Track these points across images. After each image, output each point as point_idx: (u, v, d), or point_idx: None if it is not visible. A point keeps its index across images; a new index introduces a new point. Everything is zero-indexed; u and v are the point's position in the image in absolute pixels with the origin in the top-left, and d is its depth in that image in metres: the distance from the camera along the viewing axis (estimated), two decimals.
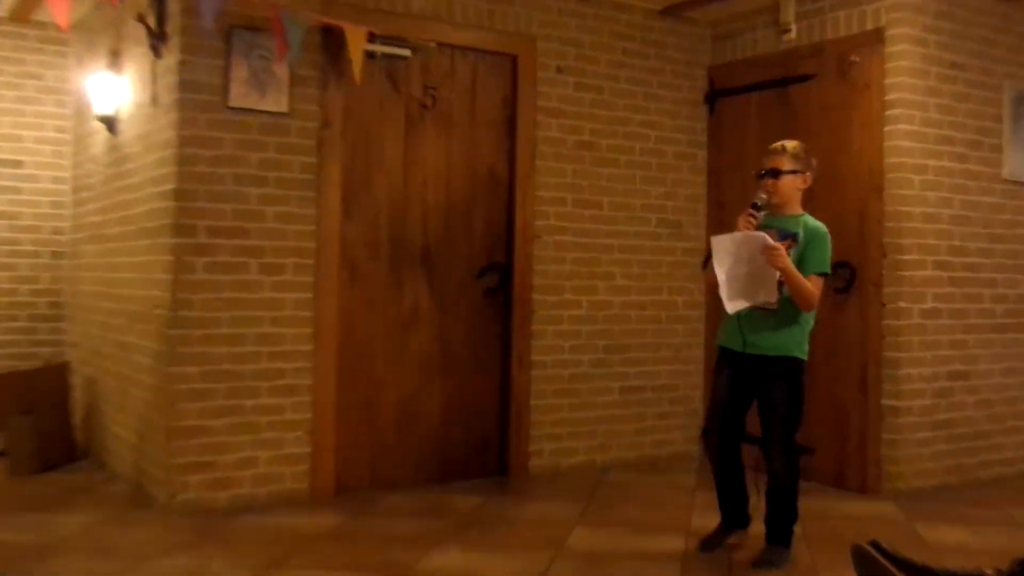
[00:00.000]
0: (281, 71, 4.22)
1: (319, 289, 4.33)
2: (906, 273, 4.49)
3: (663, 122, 5.25)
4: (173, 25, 4.17)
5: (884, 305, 4.49)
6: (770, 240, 3.30)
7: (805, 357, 3.48)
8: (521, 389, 4.84)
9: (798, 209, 3.52)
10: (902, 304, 4.48)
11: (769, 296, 3.36)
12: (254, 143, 4.22)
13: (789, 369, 3.44)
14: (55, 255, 5.69)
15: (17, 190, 5.51)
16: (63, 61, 5.68)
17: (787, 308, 3.40)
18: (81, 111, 5.54)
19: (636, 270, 5.18)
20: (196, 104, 4.10)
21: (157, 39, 4.26)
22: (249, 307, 4.20)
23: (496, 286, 4.80)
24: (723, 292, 3.38)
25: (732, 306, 3.38)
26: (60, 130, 5.66)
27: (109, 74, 4.94)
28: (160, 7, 4.23)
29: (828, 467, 4.66)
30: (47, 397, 5.02)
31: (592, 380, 5.01)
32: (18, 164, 5.52)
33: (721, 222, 4.98)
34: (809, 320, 3.47)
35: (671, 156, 5.28)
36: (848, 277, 4.55)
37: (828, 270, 3.43)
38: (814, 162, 3.54)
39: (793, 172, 3.46)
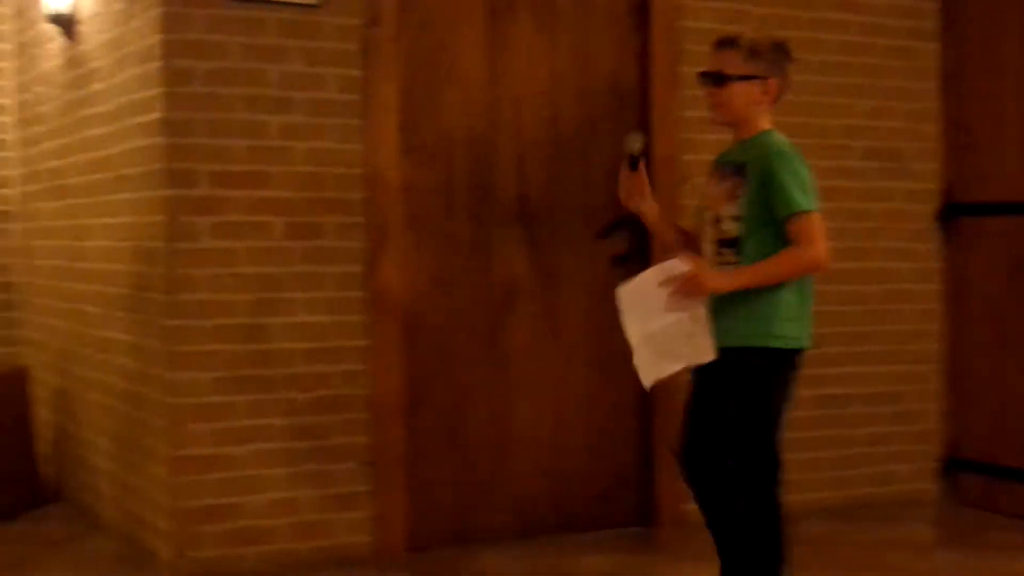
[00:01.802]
0: None
1: (373, 259, 4.49)
2: None
3: (872, 3, 5.24)
4: None
5: None
6: (679, 266, 3.27)
7: (786, 345, 3.44)
8: (672, 402, 4.78)
9: (760, 126, 3.50)
10: None
11: (703, 353, 3.33)
12: (272, 50, 4.37)
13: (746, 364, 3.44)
14: (1, 217, 6.01)
15: None
16: None
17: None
18: (24, 8, 5.81)
19: (832, 224, 5.08)
20: None
21: None
22: (276, 286, 4.37)
23: (627, 251, 4.84)
24: (637, 363, 3.41)
25: (648, 380, 3.43)
26: None
27: None
28: None
29: None
30: (1, 418, 5.28)
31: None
32: None
33: (965, 157, 4.95)
34: (797, 288, 3.42)
35: (883, 53, 5.29)
36: None
37: (810, 203, 3.32)
38: (786, 63, 3.53)
39: (747, 77, 3.43)
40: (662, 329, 3.34)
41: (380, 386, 4.49)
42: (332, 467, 4.45)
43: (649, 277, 3.37)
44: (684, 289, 3.24)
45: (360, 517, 4.49)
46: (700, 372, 3.48)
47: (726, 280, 3.26)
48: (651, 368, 3.39)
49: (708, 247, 3.44)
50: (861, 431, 5.25)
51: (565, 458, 4.82)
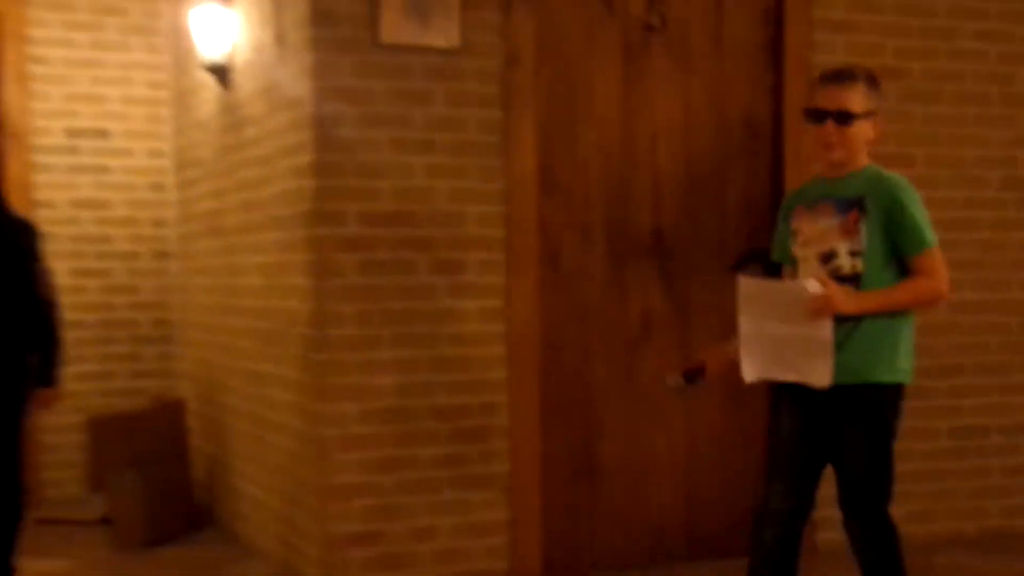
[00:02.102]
0: None
1: (512, 294, 4.57)
2: None
3: (1013, 31, 5.18)
4: None
5: None
6: (812, 287, 3.20)
7: (905, 379, 3.42)
8: None
9: (864, 160, 3.44)
10: None
11: (820, 376, 3.27)
12: (417, 94, 4.46)
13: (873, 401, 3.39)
14: (159, 255, 6.28)
15: (104, 169, 6.15)
16: None
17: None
18: (181, 58, 6.00)
19: (970, 255, 5.14)
20: (336, 42, 4.36)
21: None
22: (420, 321, 4.47)
23: None
24: (744, 354, 3.40)
25: (751, 375, 3.41)
26: (154, 85, 6.24)
27: (216, 6, 5.30)
28: None
29: None
30: (159, 446, 5.52)
31: (906, 417, 4.98)
32: (103, 134, 6.16)
33: None
34: (911, 322, 3.40)
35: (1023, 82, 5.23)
36: None
37: (935, 238, 3.31)
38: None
39: (867, 115, 3.37)
40: (781, 336, 3.31)
41: (518, 417, 4.56)
42: (472, 495, 4.52)
43: (777, 287, 3.39)
44: (815, 308, 3.17)
45: (498, 543, 4.55)
46: (810, 415, 3.40)
47: (855, 303, 3.21)
48: (759, 366, 3.39)
49: None
50: (998, 461, 5.17)
51: (699, 487, 4.84)
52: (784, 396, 3.46)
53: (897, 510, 4.94)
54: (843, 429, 3.36)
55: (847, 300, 3.20)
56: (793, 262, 3.50)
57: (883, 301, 3.26)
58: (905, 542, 4.93)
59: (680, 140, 4.82)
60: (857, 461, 3.35)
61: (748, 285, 3.39)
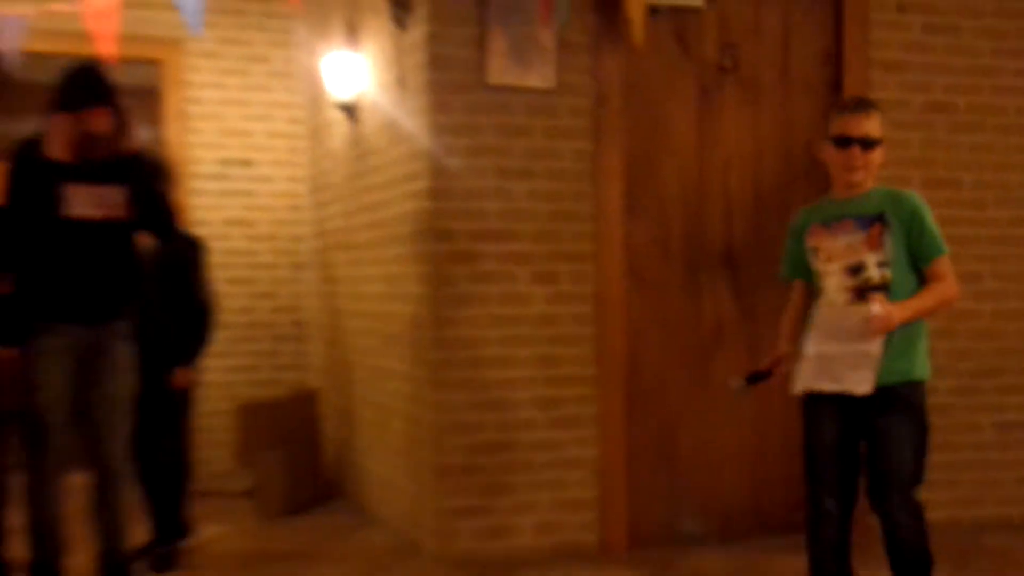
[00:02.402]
0: (546, 38, 4.42)
1: (601, 301, 4.55)
2: None
3: None
4: None
5: None
6: (876, 309, 3.08)
7: (928, 375, 3.32)
8: None
9: (872, 183, 3.34)
10: None
11: (861, 384, 3.18)
12: (518, 128, 4.46)
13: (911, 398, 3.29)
14: (296, 267, 6.35)
15: (250, 193, 6.22)
16: (291, 40, 6.29)
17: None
18: (315, 98, 6.07)
19: (1013, 268, 5.06)
20: (449, 84, 4.38)
21: (400, 8, 4.56)
22: (520, 324, 4.48)
23: None
24: (799, 372, 3.32)
25: (799, 388, 3.35)
26: (293, 121, 6.30)
27: (346, 53, 5.34)
28: None
29: None
30: (296, 430, 5.60)
31: (953, 413, 4.94)
32: (249, 163, 6.22)
33: None
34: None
35: None
36: None
37: (945, 246, 3.25)
38: None
39: (881, 142, 3.31)
40: (835, 353, 3.25)
41: (605, 408, 4.55)
42: (566, 475, 4.53)
43: (848, 312, 3.24)
44: (880, 326, 3.09)
45: (589, 518, 4.56)
46: (848, 420, 3.30)
47: (900, 314, 3.12)
48: (807, 380, 3.31)
49: (840, 295, 3.28)
50: None
51: (765, 472, 4.80)
52: (823, 407, 3.34)
53: (945, 495, 4.95)
54: (888, 425, 3.22)
55: (900, 314, 3.11)
56: (809, 277, 3.41)
57: (919, 307, 3.19)
58: (954, 525, 4.89)
59: (749, 166, 4.77)
60: (905, 452, 3.22)
61: (824, 313, 3.30)
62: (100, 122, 3.78)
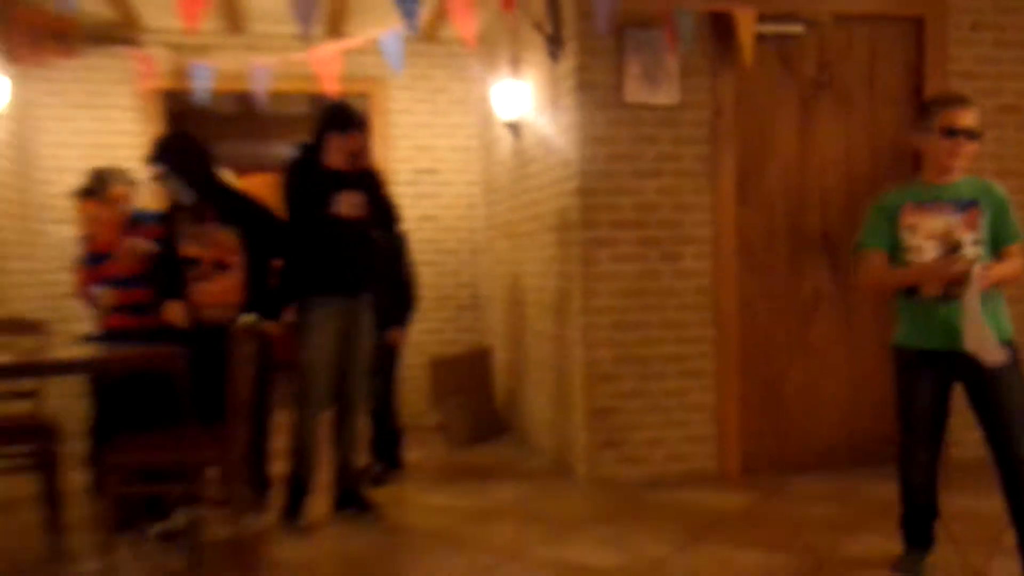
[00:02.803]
0: (672, 63, 4.39)
1: (717, 276, 4.52)
2: None
3: None
4: (568, 30, 4.47)
5: None
6: (978, 268, 2.90)
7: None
8: None
9: (960, 172, 3.11)
10: None
11: (996, 353, 2.93)
12: (648, 137, 4.44)
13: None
14: (472, 252, 6.45)
15: (436, 195, 6.35)
16: (467, 73, 6.38)
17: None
18: (486, 119, 6.15)
19: None
20: (593, 104, 4.38)
21: (554, 44, 4.57)
22: (652, 295, 4.48)
23: None
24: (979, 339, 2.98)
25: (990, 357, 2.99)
26: (469, 138, 6.40)
27: (510, 82, 5.40)
28: (555, 14, 4.54)
29: None
30: (475, 379, 5.72)
31: None
32: (434, 172, 6.34)
33: None
34: None
35: None
36: None
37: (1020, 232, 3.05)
38: None
39: (981, 134, 3.12)
40: (972, 317, 2.97)
41: (722, 362, 4.53)
42: (690, 417, 4.54)
43: (980, 274, 2.98)
44: (984, 282, 2.93)
45: (708, 451, 4.56)
46: (946, 379, 3.12)
47: (995, 272, 2.98)
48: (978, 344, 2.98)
49: None
50: None
51: (857, 414, 4.71)
52: (923, 366, 3.13)
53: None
54: (1000, 375, 2.99)
55: (995, 272, 2.98)
56: (892, 250, 3.16)
57: (1006, 272, 3.04)
58: None
59: (841, 164, 4.67)
60: (1017, 402, 3.01)
61: (969, 301, 2.98)
62: (359, 143, 3.96)
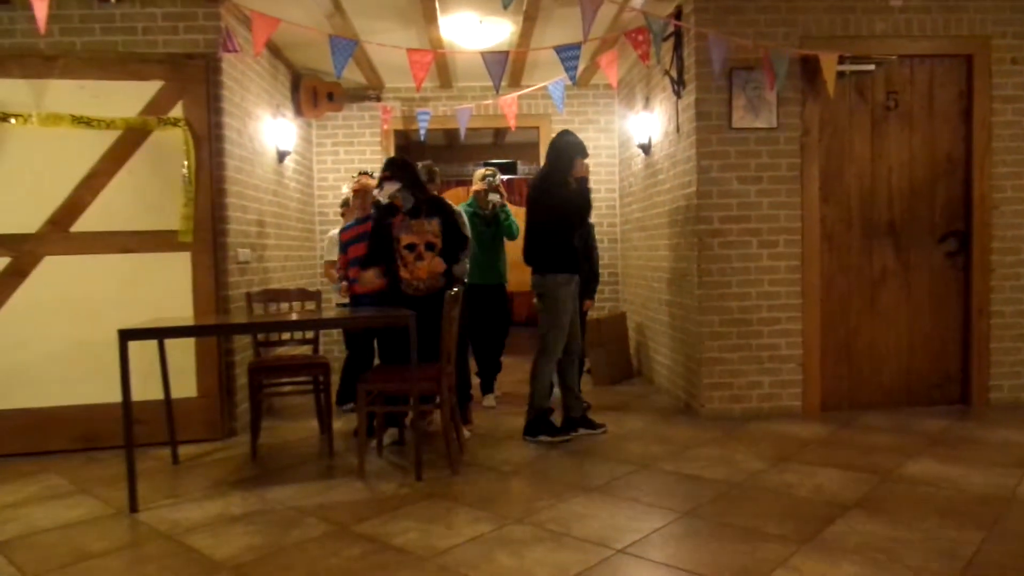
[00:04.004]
0: (770, 96, 4.43)
1: (804, 257, 4.53)
2: None
3: None
4: (689, 73, 4.54)
5: None
6: None
7: None
8: (981, 334, 4.62)
9: None
10: None
11: None
12: (751, 152, 4.47)
13: None
14: (612, 240, 6.56)
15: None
16: (610, 108, 6.48)
17: None
18: (624, 142, 6.25)
19: None
20: (708, 129, 4.43)
21: (678, 84, 4.68)
22: (752, 272, 4.49)
23: (956, 250, 4.64)
24: None
25: None
26: (611, 156, 6.52)
27: (644, 113, 5.51)
28: (679, 61, 4.67)
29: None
30: (614, 335, 5.82)
31: None
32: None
33: None
34: None
35: None
36: None
37: None
38: None
39: None
40: None
41: (807, 324, 4.52)
42: (781, 366, 4.52)
43: None
44: None
45: (795, 392, 4.54)
46: None
47: None
48: None
49: None
50: None
51: (915, 364, 4.67)
52: None
53: None
54: None
55: None
56: None
57: None
58: None
59: (906, 170, 4.63)
60: None
61: None
62: (584, 168, 4.08)
